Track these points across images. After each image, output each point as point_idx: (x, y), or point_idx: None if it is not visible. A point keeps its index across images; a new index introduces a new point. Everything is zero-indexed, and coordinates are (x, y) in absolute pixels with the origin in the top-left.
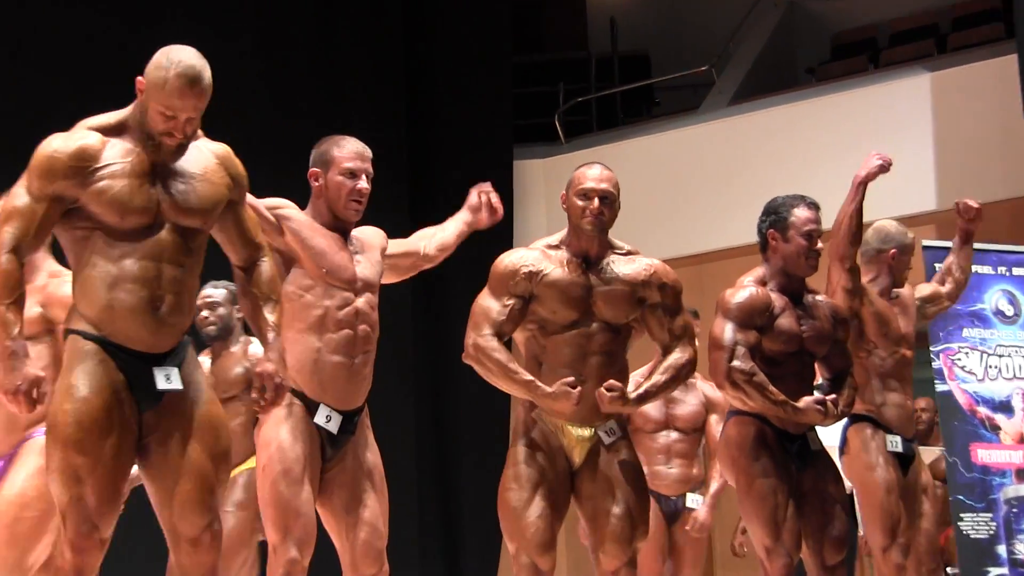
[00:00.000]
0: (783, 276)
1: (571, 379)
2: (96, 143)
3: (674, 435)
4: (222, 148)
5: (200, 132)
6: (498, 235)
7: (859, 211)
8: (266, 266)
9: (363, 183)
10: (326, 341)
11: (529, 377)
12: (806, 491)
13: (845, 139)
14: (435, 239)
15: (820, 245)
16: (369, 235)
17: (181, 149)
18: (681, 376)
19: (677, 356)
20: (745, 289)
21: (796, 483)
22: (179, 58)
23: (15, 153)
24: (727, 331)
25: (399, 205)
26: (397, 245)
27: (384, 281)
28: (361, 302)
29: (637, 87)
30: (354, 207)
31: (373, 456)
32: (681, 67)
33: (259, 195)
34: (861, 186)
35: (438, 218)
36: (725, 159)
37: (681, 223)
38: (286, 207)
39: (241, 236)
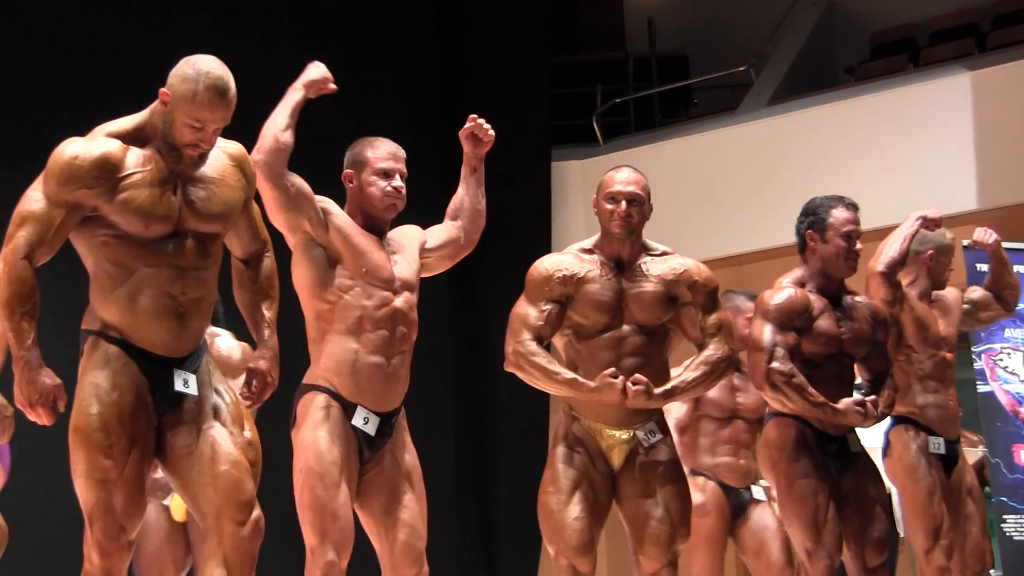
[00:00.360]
0: (822, 277)
1: (612, 370)
2: (118, 151)
3: (740, 424)
4: (236, 148)
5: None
6: (536, 237)
7: (911, 239)
8: (268, 261)
9: (397, 181)
10: (364, 341)
11: (571, 375)
12: (846, 493)
13: (884, 139)
14: (461, 216)
15: (859, 246)
16: (406, 233)
17: (202, 157)
18: (716, 372)
19: (710, 352)
20: (784, 291)
21: (836, 485)
22: (207, 69)
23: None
24: (766, 333)
25: (434, 206)
26: (435, 236)
27: (430, 273)
28: (400, 302)
29: (675, 88)
30: (391, 206)
31: (411, 457)
32: (719, 67)
33: None
34: (918, 221)
35: None
36: (763, 160)
37: (719, 224)
38: (331, 204)
39: (249, 230)
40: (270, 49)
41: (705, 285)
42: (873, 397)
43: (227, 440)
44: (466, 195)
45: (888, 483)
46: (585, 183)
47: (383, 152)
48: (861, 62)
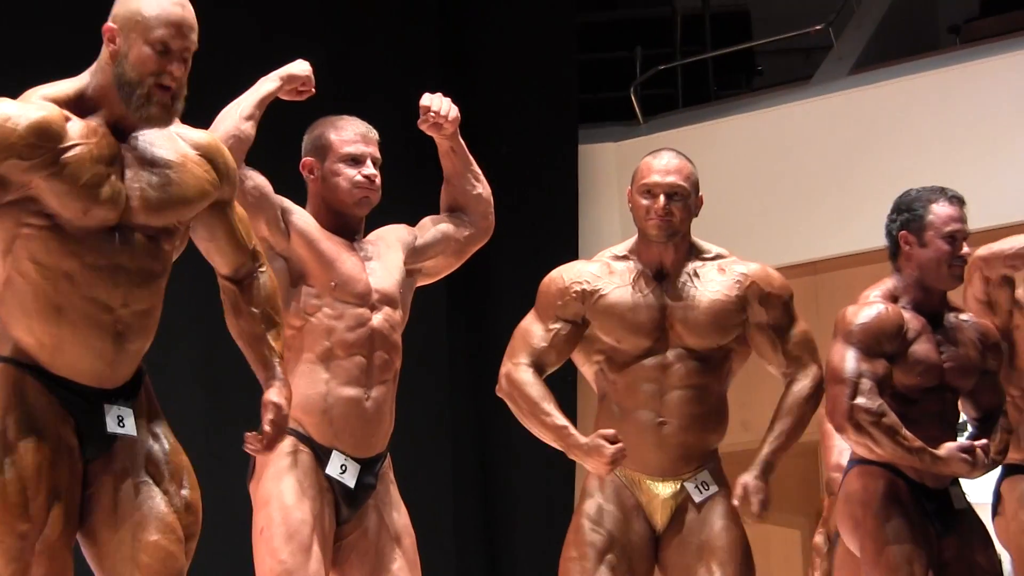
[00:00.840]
0: (919, 290)
1: (610, 432)
2: (59, 118)
3: None
4: (206, 137)
5: (176, 119)
6: (560, 239)
7: None
8: (265, 279)
9: (369, 168)
10: (335, 371)
11: (562, 422)
12: (948, 560)
13: (998, 114)
14: (461, 209)
15: (966, 249)
16: (386, 235)
17: (169, 112)
18: (809, 410)
19: (798, 389)
20: (872, 307)
21: (936, 550)
22: None
23: None
24: (849, 360)
25: (430, 202)
26: (429, 232)
27: (430, 279)
28: (378, 320)
29: (734, 52)
30: (362, 199)
31: (401, 516)
32: (790, 27)
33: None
34: None
35: None
36: (845, 142)
37: (790, 223)
38: (289, 203)
39: (231, 240)
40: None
41: (779, 296)
42: (983, 441)
43: (160, 501)
44: (454, 181)
45: (999, 547)
46: (621, 171)
47: (350, 133)
48: (969, 20)
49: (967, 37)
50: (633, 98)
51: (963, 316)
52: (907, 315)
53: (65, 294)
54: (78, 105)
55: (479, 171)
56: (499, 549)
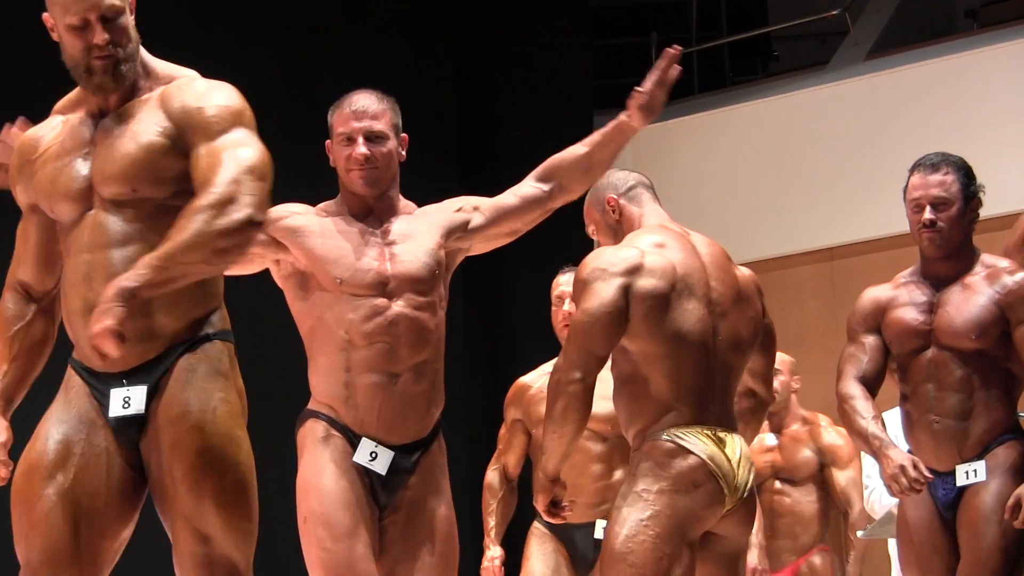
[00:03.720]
0: (922, 261)
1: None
2: (39, 129)
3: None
4: (173, 82)
5: (175, 72)
6: (574, 228)
7: None
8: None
9: (360, 147)
10: (355, 359)
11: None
12: None
13: (1016, 99)
14: (562, 173)
15: (929, 214)
16: (430, 212)
17: (117, 77)
18: None
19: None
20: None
21: None
22: None
23: None
24: (843, 355)
25: (444, 186)
26: (492, 204)
27: (481, 249)
28: (399, 307)
29: (750, 37)
30: (358, 180)
31: (442, 509)
32: (806, 11)
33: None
34: None
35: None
36: (862, 127)
37: (807, 209)
38: (282, 216)
39: (193, 177)
40: None
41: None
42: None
43: (185, 493)
44: (594, 168)
45: None
46: (637, 156)
47: (345, 110)
48: (986, 3)
49: (984, 21)
50: None
51: (1002, 264)
52: (899, 288)
53: (68, 282)
54: (77, 103)
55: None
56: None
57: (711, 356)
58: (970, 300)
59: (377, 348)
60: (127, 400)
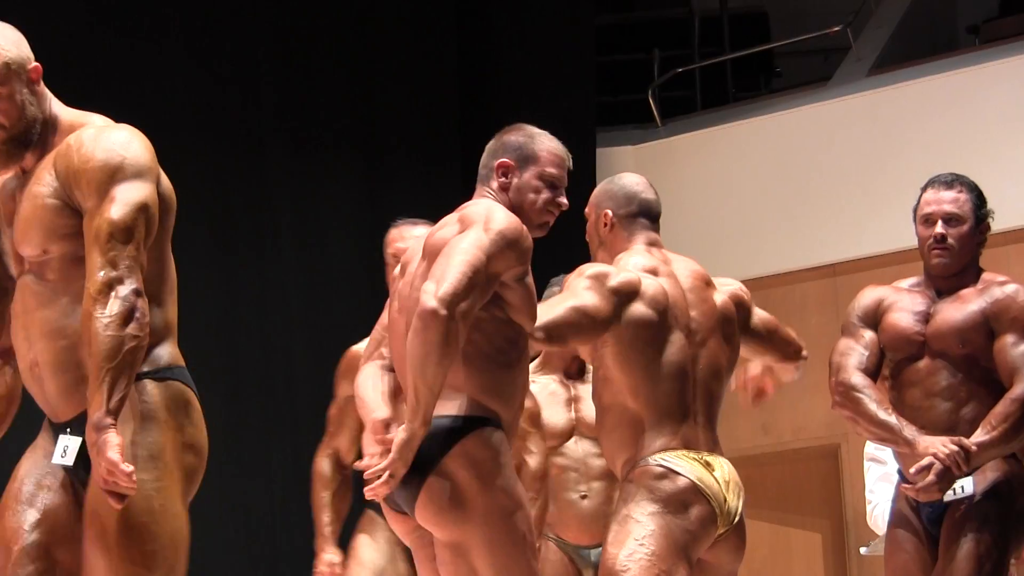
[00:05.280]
0: (926, 277)
1: None
2: None
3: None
4: (73, 135)
5: (77, 121)
6: (577, 243)
7: None
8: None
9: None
10: None
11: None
12: None
13: (1019, 114)
14: None
15: (940, 228)
16: None
17: (10, 156)
18: None
19: None
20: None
21: None
22: None
23: None
24: (838, 346)
25: (447, 201)
26: None
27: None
28: None
29: (752, 53)
30: (544, 222)
31: None
32: (808, 28)
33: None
34: None
35: None
36: (864, 143)
37: (809, 225)
38: None
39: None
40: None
41: None
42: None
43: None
44: None
45: None
46: (639, 173)
47: (559, 154)
48: (988, 19)
49: (986, 37)
50: (651, 100)
51: (985, 286)
52: (900, 293)
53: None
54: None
55: None
56: None
57: (693, 385)
58: (960, 308)
59: None
60: (66, 449)
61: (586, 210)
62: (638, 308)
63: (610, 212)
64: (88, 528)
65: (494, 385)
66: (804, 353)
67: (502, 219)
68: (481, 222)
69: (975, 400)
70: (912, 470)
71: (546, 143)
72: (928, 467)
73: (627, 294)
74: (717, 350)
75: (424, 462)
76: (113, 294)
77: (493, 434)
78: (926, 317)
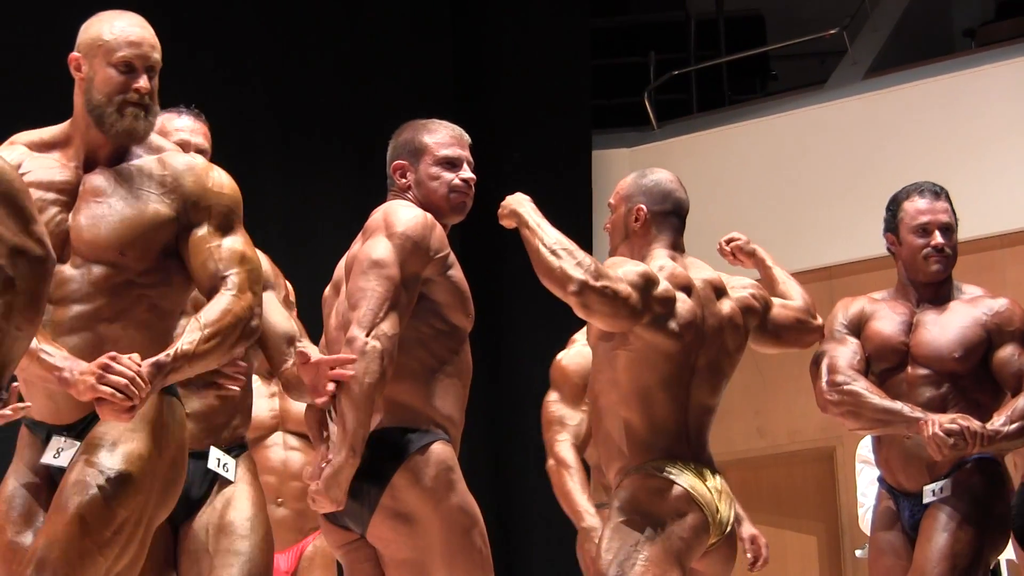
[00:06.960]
0: (908, 287)
1: None
2: (15, 160)
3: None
4: (184, 160)
5: (166, 145)
6: (575, 243)
7: None
8: (222, 298)
9: (466, 172)
10: None
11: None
12: None
13: (1014, 118)
14: None
15: (939, 239)
16: None
17: (137, 125)
18: None
19: None
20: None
21: None
22: (111, 10)
23: None
24: (818, 352)
25: None
26: None
27: None
28: None
29: (748, 56)
30: (458, 203)
31: None
32: (804, 31)
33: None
34: None
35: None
36: (860, 146)
37: (805, 228)
38: None
39: (199, 268)
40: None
41: None
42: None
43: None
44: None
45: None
46: None
47: (444, 136)
48: (984, 23)
49: (982, 40)
50: (647, 103)
51: (972, 297)
52: (877, 303)
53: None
54: (55, 144)
55: None
56: (514, 551)
57: (687, 396)
58: (953, 321)
59: None
60: (59, 451)
61: (611, 201)
62: (670, 326)
63: (644, 207)
64: (56, 498)
65: (440, 397)
66: (818, 322)
67: (402, 219)
68: (382, 229)
69: (958, 410)
70: (935, 428)
71: (432, 128)
72: (952, 431)
73: (665, 314)
74: (718, 363)
75: (375, 479)
76: (255, 319)
77: (444, 448)
78: (908, 326)
